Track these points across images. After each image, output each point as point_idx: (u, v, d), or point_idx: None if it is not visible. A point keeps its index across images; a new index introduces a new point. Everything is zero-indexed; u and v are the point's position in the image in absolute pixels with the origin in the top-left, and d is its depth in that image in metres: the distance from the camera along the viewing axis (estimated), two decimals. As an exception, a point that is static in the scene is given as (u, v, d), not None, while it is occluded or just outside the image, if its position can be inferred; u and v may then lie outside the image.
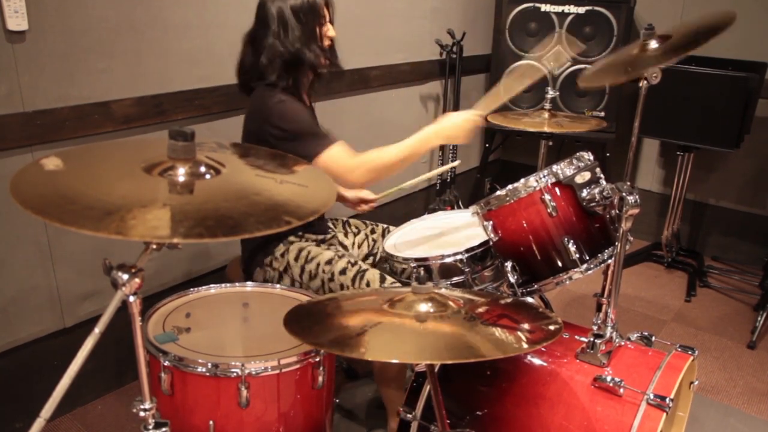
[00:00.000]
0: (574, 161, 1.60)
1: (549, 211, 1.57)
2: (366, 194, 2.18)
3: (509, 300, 1.43)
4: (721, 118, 2.88)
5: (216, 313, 1.63)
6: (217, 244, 2.48)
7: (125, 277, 0.98)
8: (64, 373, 0.98)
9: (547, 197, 1.57)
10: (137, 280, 0.98)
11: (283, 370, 1.41)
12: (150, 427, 1.10)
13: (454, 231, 2.05)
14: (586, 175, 1.59)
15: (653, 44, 1.70)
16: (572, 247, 1.57)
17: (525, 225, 1.60)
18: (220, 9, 2.32)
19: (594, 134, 3.23)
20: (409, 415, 1.58)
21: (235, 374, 1.36)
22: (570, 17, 3.32)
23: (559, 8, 3.32)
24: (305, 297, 1.69)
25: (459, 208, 3.51)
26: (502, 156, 4.27)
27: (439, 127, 1.88)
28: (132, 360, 1.05)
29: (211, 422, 1.40)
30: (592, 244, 1.60)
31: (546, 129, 2.17)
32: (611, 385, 1.42)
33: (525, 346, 1.18)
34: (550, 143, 2.41)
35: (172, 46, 2.21)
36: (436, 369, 1.57)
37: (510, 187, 1.60)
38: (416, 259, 1.80)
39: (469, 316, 1.23)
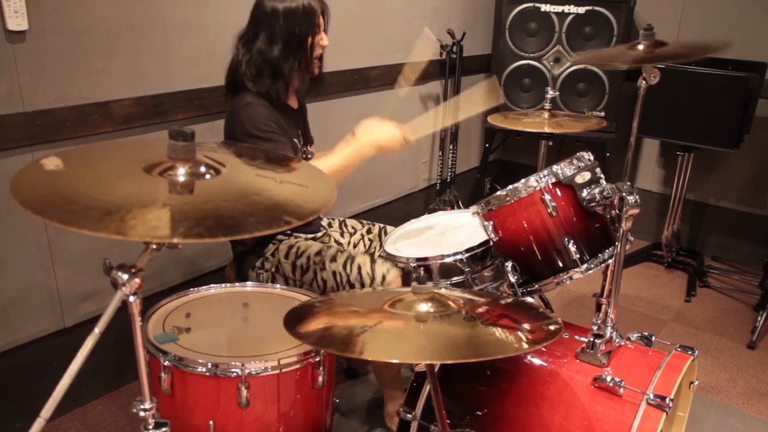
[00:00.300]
0: (575, 161, 1.60)
1: (549, 211, 1.57)
2: (405, 131, 1.93)
3: (509, 300, 1.43)
4: (721, 118, 2.88)
5: (216, 313, 1.63)
6: (217, 244, 2.48)
7: (125, 277, 0.98)
8: (64, 373, 0.98)
9: (548, 197, 1.57)
10: (137, 280, 0.98)
11: (283, 370, 1.41)
12: (150, 427, 1.10)
13: (454, 231, 2.05)
14: (587, 175, 1.59)
15: (642, 45, 1.75)
16: (572, 247, 1.57)
17: (525, 225, 1.60)
18: (220, 9, 2.32)
19: (594, 134, 3.23)
20: (409, 415, 1.58)
21: (235, 374, 1.36)
22: (570, 17, 3.32)
23: (559, 8, 3.32)
24: (305, 297, 1.69)
25: (459, 208, 3.51)
26: (502, 156, 4.27)
27: (375, 138, 1.84)
28: (132, 360, 1.05)
29: (211, 422, 1.40)
30: (592, 244, 1.60)
31: (546, 129, 2.17)
32: (611, 385, 1.42)
33: (525, 346, 1.18)
34: (550, 143, 2.41)
35: (172, 46, 2.21)
36: (436, 369, 1.57)
37: (510, 187, 1.60)
38: (416, 259, 1.80)
39: (469, 316, 1.23)
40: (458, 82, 3.46)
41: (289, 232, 1.99)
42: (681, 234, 3.52)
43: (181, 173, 1.07)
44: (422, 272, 1.80)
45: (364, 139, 1.85)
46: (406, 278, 1.84)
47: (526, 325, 1.24)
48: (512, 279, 1.63)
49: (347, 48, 2.89)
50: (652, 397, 1.38)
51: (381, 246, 2.04)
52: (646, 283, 3.28)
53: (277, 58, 1.83)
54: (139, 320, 1.03)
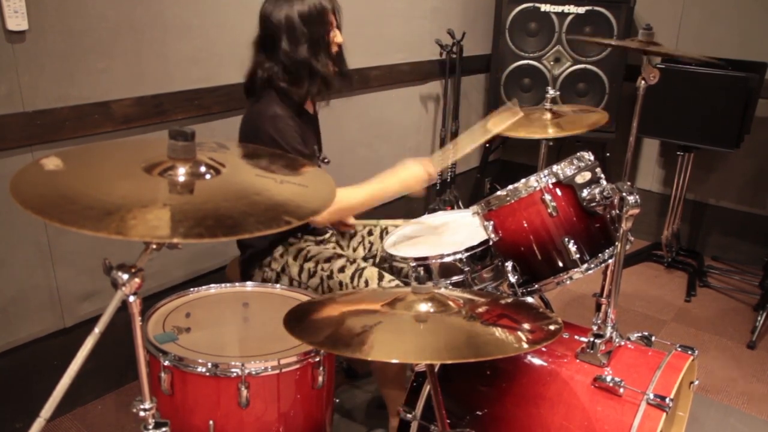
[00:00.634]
0: (575, 161, 1.60)
1: (549, 211, 1.57)
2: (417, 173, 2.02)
3: (509, 300, 1.43)
4: (721, 118, 2.88)
5: (216, 313, 1.63)
6: (217, 244, 2.48)
7: (125, 277, 0.98)
8: (64, 373, 0.98)
9: (548, 197, 1.57)
10: (137, 280, 0.98)
11: (283, 370, 1.41)
12: (150, 427, 1.10)
13: (454, 231, 2.05)
14: (587, 175, 1.59)
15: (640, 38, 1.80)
16: (572, 247, 1.57)
17: (525, 225, 1.60)
18: (220, 9, 2.32)
19: (594, 134, 3.22)
20: (409, 415, 1.58)
21: (235, 374, 1.36)
22: (570, 17, 3.32)
23: (559, 8, 3.32)
24: (305, 297, 1.69)
25: (459, 208, 3.51)
26: (502, 156, 4.27)
27: (401, 178, 1.88)
28: (132, 360, 1.05)
29: (211, 422, 1.40)
30: (592, 244, 1.60)
31: (550, 132, 2.16)
32: (611, 385, 1.42)
33: (525, 346, 1.18)
34: (551, 143, 2.41)
35: (172, 46, 2.21)
36: (436, 369, 1.57)
37: (510, 187, 1.60)
38: (416, 259, 1.80)
39: (469, 316, 1.23)
40: (458, 82, 3.46)
41: (299, 235, 1.99)
42: (681, 234, 3.52)
43: (181, 173, 1.07)
44: (422, 272, 1.80)
45: (392, 179, 1.89)
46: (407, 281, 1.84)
47: (526, 325, 1.24)
48: (512, 279, 1.63)
49: (347, 48, 2.88)
50: (652, 397, 1.38)
51: (382, 247, 2.04)
52: (646, 283, 3.28)
53: (307, 57, 1.83)
54: (139, 320, 1.03)
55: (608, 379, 1.43)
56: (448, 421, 1.41)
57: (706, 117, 2.93)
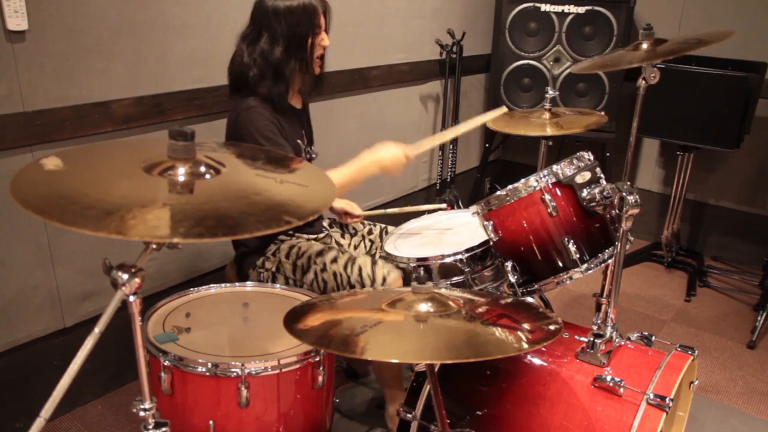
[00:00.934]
0: (575, 161, 1.61)
1: (549, 211, 1.57)
2: (352, 208, 2.14)
3: (509, 300, 1.43)
4: (721, 118, 2.88)
5: (216, 313, 1.63)
6: (217, 244, 2.48)
7: (125, 277, 0.98)
8: (64, 373, 0.98)
9: (548, 197, 1.57)
10: (137, 280, 0.98)
11: (283, 370, 1.41)
12: (150, 427, 1.10)
13: (454, 231, 2.05)
14: (587, 175, 1.59)
15: (645, 45, 1.77)
16: (572, 247, 1.57)
17: (525, 225, 1.60)
18: (220, 9, 2.32)
19: (594, 134, 3.23)
20: (409, 415, 1.58)
21: (235, 374, 1.36)
22: (570, 17, 3.32)
23: (559, 8, 3.32)
24: (305, 297, 1.69)
25: (459, 208, 3.51)
26: (502, 156, 4.27)
27: (379, 156, 1.89)
28: (132, 360, 1.05)
29: (211, 422, 1.40)
30: (592, 243, 1.60)
31: (548, 131, 2.16)
32: (611, 384, 1.42)
33: (525, 346, 1.18)
34: (550, 143, 2.41)
35: (172, 46, 2.21)
36: (436, 369, 1.57)
37: (510, 187, 1.60)
38: (416, 259, 1.80)
39: (469, 316, 1.23)
40: (458, 82, 3.46)
41: (291, 232, 1.99)
42: (681, 234, 3.52)
43: (181, 173, 1.07)
44: (422, 272, 1.80)
45: (369, 159, 1.89)
46: (407, 279, 1.84)
47: (526, 325, 1.24)
48: (512, 279, 1.63)
49: (347, 48, 2.89)
50: (652, 396, 1.38)
51: (382, 246, 2.04)
52: (646, 283, 3.28)
53: (279, 60, 1.83)
54: (139, 320, 1.03)
55: (608, 379, 1.43)
56: (448, 421, 1.41)
57: (706, 117, 2.93)
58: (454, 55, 3.39)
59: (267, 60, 1.83)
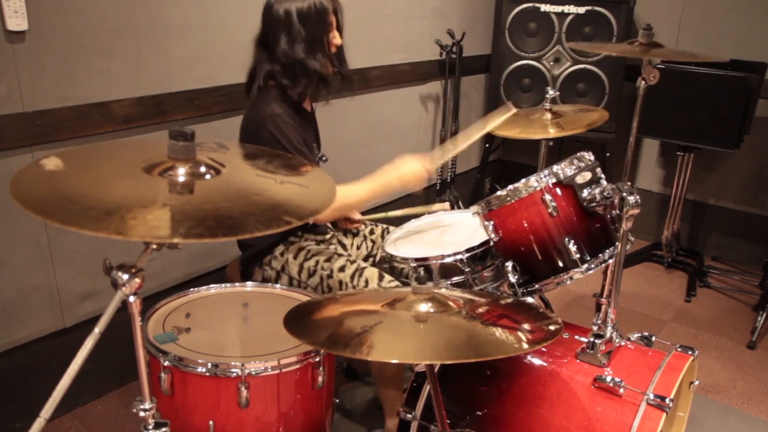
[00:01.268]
0: (575, 161, 1.60)
1: (550, 211, 1.57)
2: (351, 213, 2.12)
3: (509, 300, 1.43)
4: (721, 118, 2.88)
5: (216, 313, 1.63)
6: (217, 244, 2.48)
7: (125, 277, 0.98)
8: (64, 373, 0.98)
9: (548, 197, 1.57)
10: (137, 280, 0.98)
11: (283, 370, 1.41)
12: (150, 427, 1.10)
13: (454, 231, 2.05)
14: (587, 175, 1.59)
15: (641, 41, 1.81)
16: (573, 247, 1.57)
17: (526, 225, 1.60)
18: (220, 9, 2.32)
19: (594, 134, 3.23)
20: (409, 415, 1.58)
21: (235, 374, 1.36)
22: (570, 17, 3.32)
23: (558, 8, 3.32)
24: (305, 297, 1.69)
25: (459, 208, 3.51)
26: (502, 156, 4.27)
27: (401, 173, 1.89)
28: (132, 360, 1.05)
29: (211, 422, 1.40)
30: (592, 244, 1.60)
31: (550, 132, 2.16)
32: (611, 385, 1.42)
33: (525, 346, 1.18)
34: (551, 143, 2.41)
35: (172, 46, 2.21)
36: (436, 369, 1.57)
37: (511, 187, 1.60)
38: (416, 259, 1.80)
39: (469, 316, 1.23)
40: (458, 82, 3.46)
41: (300, 233, 1.99)
42: (681, 234, 3.52)
43: (181, 173, 1.07)
44: (422, 272, 1.80)
45: (391, 174, 1.89)
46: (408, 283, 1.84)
47: (526, 325, 1.24)
48: (512, 279, 1.63)
49: (347, 48, 2.88)
50: (652, 397, 1.38)
51: (382, 246, 2.04)
52: (646, 283, 3.28)
53: (303, 59, 1.83)
54: (139, 320, 1.03)
55: (608, 379, 1.43)
56: (448, 421, 1.41)
57: (706, 117, 2.93)
58: (454, 56, 3.39)
59: (292, 59, 1.83)
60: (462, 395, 1.60)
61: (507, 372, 1.56)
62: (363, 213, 2.17)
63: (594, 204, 1.56)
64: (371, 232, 2.19)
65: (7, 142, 1.85)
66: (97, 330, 0.98)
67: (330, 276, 1.87)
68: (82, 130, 2.01)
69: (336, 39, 1.90)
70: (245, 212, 1.00)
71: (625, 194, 1.46)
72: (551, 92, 2.26)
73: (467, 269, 1.78)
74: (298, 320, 1.26)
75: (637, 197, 1.46)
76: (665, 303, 3.08)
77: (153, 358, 1.41)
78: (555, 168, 1.58)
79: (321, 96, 2.01)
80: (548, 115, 2.22)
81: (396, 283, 1.85)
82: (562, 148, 3.63)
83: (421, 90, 3.45)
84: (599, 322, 1.62)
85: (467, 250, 1.77)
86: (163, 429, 1.10)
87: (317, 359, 1.45)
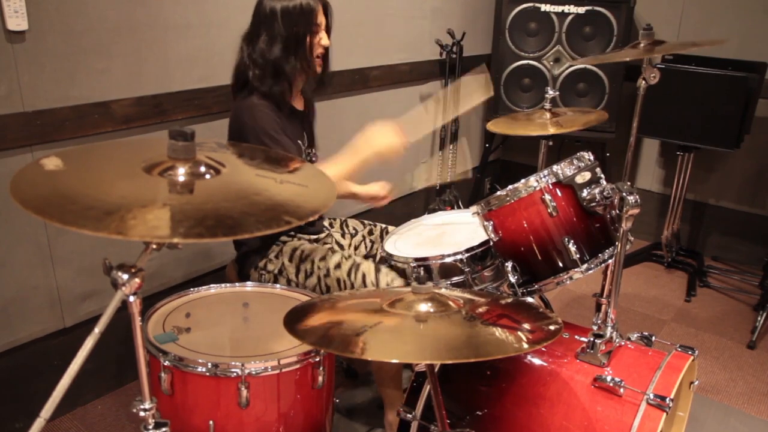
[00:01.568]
0: (575, 161, 1.60)
1: (549, 211, 1.57)
2: (377, 190, 2.00)
3: (509, 300, 1.43)
4: (721, 118, 2.88)
5: (216, 313, 1.63)
6: (217, 244, 2.48)
7: (125, 277, 0.98)
8: (64, 373, 0.98)
9: (548, 197, 1.57)
10: (137, 280, 0.98)
11: (283, 370, 1.41)
12: (150, 427, 1.10)
13: (454, 231, 2.05)
14: (587, 175, 1.59)
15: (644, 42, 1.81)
16: (573, 247, 1.57)
17: (525, 225, 1.60)
18: (220, 9, 2.32)
19: (594, 134, 3.23)
20: (409, 415, 1.58)
21: (235, 374, 1.36)
22: (570, 17, 3.32)
23: (559, 8, 3.32)
24: (305, 297, 1.69)
25: (459, 208, 3.51)
26: (502, 156, 4.27)
27: (378, 148, 1.86)
28: (132, 360, 1.05)
29: (211, 422, 1.40)
30: (592, 244, 1.60)
31: (550, 130, 2.16)
32: (611, 385, 1.42)
33: (525, 346, 1.18)
34: (550, 143, 2.41)
35: (172, 46, 2.21)
36: (436, 369, 1.57)
37: (510, 187, 1.60)
38: (416, 259, 1.80)
39: (469, 316, 1.23)
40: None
41: (293, 233, 1.99)
42: (681, 234, 3.52)
43: (181, 173, 1.07)
44: (422, 272, 1.80)
45: (366, 149, 1.87)
46: (408, 281, 1.84)
47: (526, 325, 1.24)
48: (512, 279, 1.63)
49: (347, 48, 2.89)
50: (652, 397, 1.38)
51: (382, 247, 2.04)
52: (646, 283, 3.28)
53: (278, 59, 1.83)
54: (139, 320, 1.03)
55: (608, 379, 1.43)
56: (448, 421, 1.41)
57: (706, 117, 2.93)
58: (454, 55, 3.39)
59: (266, 59, 1.83)
60: (462, 395, 1.60)
61: (507, 372, 1.56)
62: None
63: (594, 204, 1.56)
64: (370, 232, 2.19)
65: (7, 142, 1.85)
66: (97, 330, 0.98)
67: (327, 275, 1.87)
68: (82, 130, 2.01)
69: (323, 40, 1.90)
70: (245, 212, 1.01)
71: (624, 194, 1.46)
72: (551, 92, 2.26)
73: (467, 269, 1.78)
74: (298, 320, 1.26)
75: (637, 197, 1.45)
76: (665, 303, 3.08)
77: (153, 358, 1.41)
78: (555, 168, 1.58)
79: (314, 93, 2.02)
80: (547, 115, 2.22)
81: (393, 275, 1.85)
82: (561, 149, 3.63)
83: (421, 90, 3.45)
84: (599, 322, 1.62)
85: (467, 250, 1.77)
86: (163, 429, 1.10)
87: (317, 359, 1.45)
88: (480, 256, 1.80)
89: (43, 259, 2.02)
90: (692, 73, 2.91)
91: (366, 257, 2.14)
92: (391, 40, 3.15)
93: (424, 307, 1.23)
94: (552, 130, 2.15)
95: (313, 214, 1.05)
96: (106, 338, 1.00)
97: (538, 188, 1.57)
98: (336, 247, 2.10)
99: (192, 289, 1.71)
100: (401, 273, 1.88)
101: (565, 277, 1.60)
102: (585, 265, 1.59)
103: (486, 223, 1.64)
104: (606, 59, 1.98)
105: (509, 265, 1.63)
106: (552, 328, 1.22)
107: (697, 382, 1.67)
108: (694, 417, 2.03)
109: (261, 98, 1.84)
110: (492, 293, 1.69)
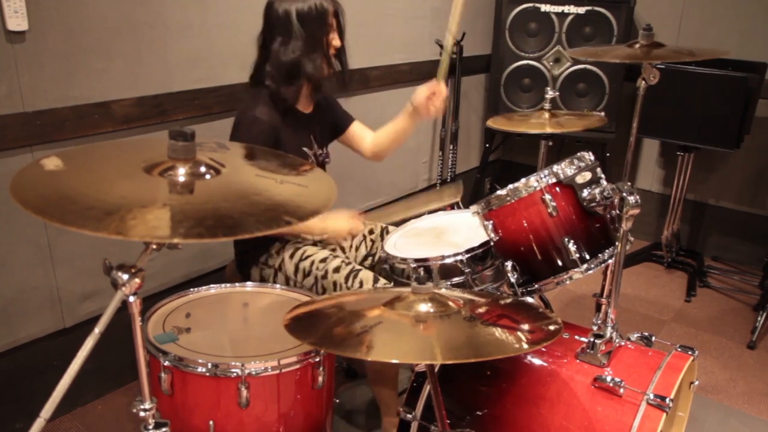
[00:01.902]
0: (575, 161, 1.60)
1: (549, 211, 1.57)
2: (339, 226, 1.98)
3: (509, 300, 1.43)
4: (721, 118, 2.88)
5: (216, 313, 1.63)
6: (217, 244, 2.48)
7: (125, 277, 0.98)
8: (64, 373, 0.98)
9: (548, 197, 1.57)
10: (137, 280, 0.98)
11: (283, 370, 1.41)
12: (150, 427, 1.10)
13: (454, 231, 2.05)
14: (587, 175, 1.59)
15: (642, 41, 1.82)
16: (572, 247, 1.57)
17: (525, 225, 1.60)
18: (220, 9, 2.32)
19: (594, 134, 3.23)
20: (409, 415, 1.58)
21: (235, 374, 1.36)
22: (570, 17, 3.32)
23: (559, 8, 3.32)
24: (305, 297, 1.69)
25: (459, 208, 3.50)
26: (502, 156, 4.27)
27: (325, 225, 1.89)
28: (132, 360, 1.05)
29: (211, 422, 1.40)
30: (592, 244, 1.60)
31: (548, 129, 2.17)
32: (611, 385, 1.42)
33: (525, 346, 1.18)
34: (550, 143, 2.41)
35: (172, 46, 2.21)
36: (436, 369, 1.57)
37: (510, 186, 1.60)
38: (416, 260, 1.80)
39: (469, 316, 1.23)
40: (458, 83, 3.46)
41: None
42: (681, 234, 3.52)
43: (181, 173, 1.07)
44: (422, 273, 1.80)
45: (316, 223, 1.87)
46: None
47: (526, 326, 1.24)
48: (512, 279, 1.63)
49: (347, 48, 2.88)
50: (652, 397, 1.38)
51: (382, 247, 2.04)
52: (646, 283, 3.28)
53: (295, 60, 1.82)
54: (139, 320, 1.03)
55: (608, 379, 1.43)
56: (448, 421, 1.41)
57: (706, 117, 2.93)
58: (454, 56, 3.39)
59: (282, 61, 1.83)
60: (462, 395, 1.60)
61: (507, 372, 1.56)
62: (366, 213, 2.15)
63: (594, 204, 1.56)
64: (370, 232, 2.19)
65: (7, 142, 1.85)
66: (97, 330, 0.98)
67: (324, 277, 1.87)
68: (82, 130, 2.01)
69: (335, 41, 1.90)
70: (245, 212, 1.01)
71: (624, 194, 1.46)
72: (551, 92, 2.26)
73: (467, 269, 1.78)
74: (298, 320, 1.26)
75: (637, 197, 1.46)
76: (665, 303, 3.08)
77: (153, 358, 1.41)
78: (555, 168, 1.58)
79: (320, 95, 2.01)
80: (546, 116, 2.23)
81: (391, 285, 1.85)
82: (561, 149, 3.63)
83: (421, 90, 3.44)
84: (599, 322, 1.62)
85: (467, 251, 1.77)
86: (163, 429, 1.10)
87: (317, 359, 1.45)
88: (480, 256, 1.80)
89: (43, 260, 2.02)
90: (692, 73, 2.91)
91: (366, 257, 2.14)
92: (391, 40, 3.15)
93: (424, 307, 1.23)
94: (550, 129, 2.15)
95: (313, 214, 1.05)
96: (106, 338, 1.00)
97: (538, 188, 1.57)
98: (338, 251, 2.10)
99: (192, 289, 1.71)
100: (404, 278, 1.88)
101: (565, 277, 1.60)
102: (585, 265, 1.59)
103: (486, 223, 1.64)
104: (600, 56, 1.98)
105: (509, 265, 1.63)
106: (552, 328, 1.22)
107: (697, 382, 1.67)
108: (694, 417, 2.03)
109: (268, 109, 1.84)
110: (492, 293, 1.69)
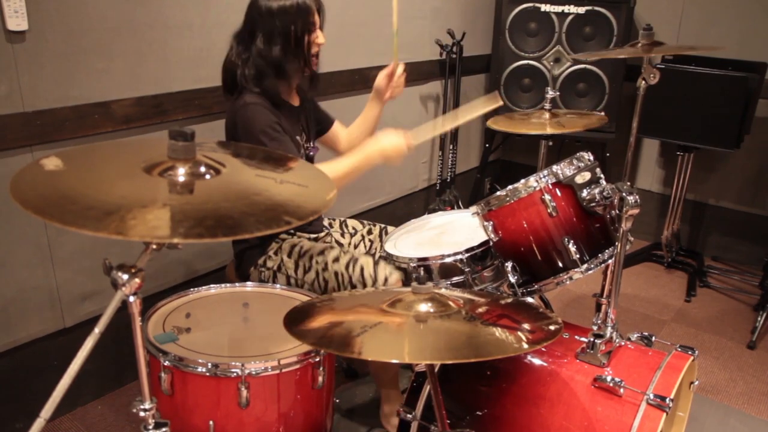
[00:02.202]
0: (575, 161, 1.60)
1: (549, 211, 1.57)
2: (392, 144, 1.93)
3: (509, 300, 1.43)
4: (721, 118, 2.88)
5: (216, 313, 1.63)
6: (217, 244, 2.48)
7: (125, 277, 0.98)
8: (64, 373, 0.98)
9: (548, 197, 1.57)
10: (137, 280, 0.98)
11: (283, 370, 1.41)
12: (150, 427, 1.10)
13: (454, 231, 2.05)
14: (587, 175, 1.59)
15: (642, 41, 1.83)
16: (572, 247, 1.57)
17: (525, 225, 1.60)
18: (220, 9, 2.32)
19: (594, 134, 3.23)
20: (409, 415, 1.58)
21: (235, 374, 1.36)
22: (570, 17, 3.32)
23: (559, 8, 3.32)
24: (305, 297, 1.69)
25: (459, 208, 3.51)
26: (502, 156, 4.27)
27: (382, 147, 1.88)
28: (132, 360, 1.05)
29: (211, 422, 1.40)
30: (592, 244, 1.60)
31: (548, 130, 2.16)
32: (611, 385, 1.42)
33: (525, 346, 1.18)
34: (550, 143, 2.41)
35: (172, 46, 2.21)
36: (436, 369, 1.57)
37: (510, 187, 1.60)
38: (416, 259, 1.80)
39: (469, 316, 1.23)
40: (458, 83, 3.46)
41: (292, 231, 1.99)
42: (681, 234, 3.52)
43: (181, 173, 1.07)
44: (422, 272, 1.80)
45: (371, 148, 1.88)
46: (407, 280, 1.84)
47: (526, 325, 1.24)
48: (512, 279, 1.63)
49: (347, 48, 2.89)
50: (652, 397, 1.38)
51: (381, 246, 2.04)
52: (646, 283, 3.28)
53: (278, 58, 1.83)
54: (139, 320, 1.03)
55: (608, 379, 1.43)
56: (448, 421, 1.41)
57: (706, 117, 2.93)
58: (454, 56, 3.39)
59: (266, 58, 1.83)
60: (462, 395, 1.60)
61: (507, 372, 1.56)
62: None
63: (593, 204, 1.56)
64: (369, 232, 2.19)
65: (7, 142, 1.85)
66: (97, 330, 0.98)
67: (325, 269, 1.87)
68: (82, 130, 2.01)
69: (319, 38, 1.90)
70: (245, 212, 1.01)
71: (624, 194, 1.46)
72: (551, 92, 2.26)
73: (467, 269, 1.78)
74: (298, 320, 1.26)
75: (637, 197, 1.45)
76: (665, 303, 3.08)
77: (153, 358, 1.41)
78: (554, 168, 1.58)
79: (306, 92, 2.02)
80: (546, 115, 2.23)
81: (391, 268, 1.84)
82: (561, 149, 3.63)
83: (421, 90, 3.45)
84: (599, 322, 1.62)
85: (467, 250, 1.78)
86: (163, 429, 1.10)
87: (317, 359, 1.45)
88: (480, 256, 1.80)
89: (43, 260, 2.02)
90: (692, 73, 2.91)
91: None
92: (391, 40, 3.15)
93: (424, 307, 1.23)
94: (550, 130, 2.15)
95: (313, 214, 1.05)
96: (106, 338, 1.00)
97: (537, 188, 1.57)
98: (335, 245, 2.10)
99: (192, 289, 1.71)
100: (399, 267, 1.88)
101: (565, 277, 1.60)
102: (585, 266, 1.59)
103: (486, 223, 1.64)
104: (603, 55, 1.99)
105: (509, 265, 1.63)
106: (552, 328, 1.22)
107: (697, 382, 1.67)
108: (694, 417, 2.03)
109: (256, 96, 1.84)
110: (492, 293, 1.69)
